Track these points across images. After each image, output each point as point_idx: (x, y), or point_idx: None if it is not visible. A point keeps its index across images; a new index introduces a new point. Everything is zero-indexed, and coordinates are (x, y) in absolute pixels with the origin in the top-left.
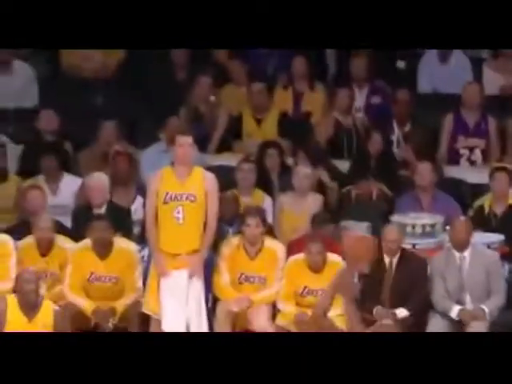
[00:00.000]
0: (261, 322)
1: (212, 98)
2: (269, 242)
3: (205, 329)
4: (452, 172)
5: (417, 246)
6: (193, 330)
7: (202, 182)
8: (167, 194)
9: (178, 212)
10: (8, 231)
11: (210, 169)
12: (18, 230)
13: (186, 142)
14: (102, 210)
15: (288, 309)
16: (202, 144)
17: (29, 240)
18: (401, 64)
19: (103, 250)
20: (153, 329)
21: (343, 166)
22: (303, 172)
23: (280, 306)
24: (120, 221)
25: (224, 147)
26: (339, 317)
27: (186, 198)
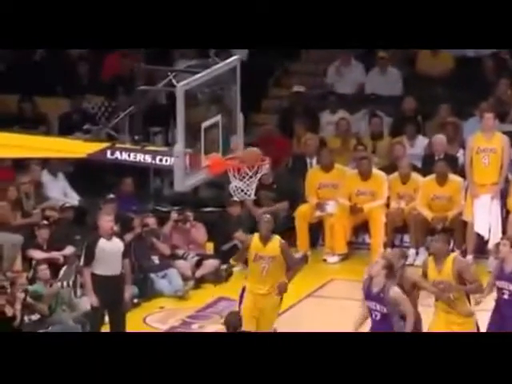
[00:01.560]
0: None
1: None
2: None
3: (500, 232)
4: None
5: None
6: (492, 232)
7: (502, 141)
8: (478, 147)
9: (485, 159)
10: (382, 169)
11: (505, 133)
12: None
13: (490, 116)
14: (442, 157)
15: None
16: (501, 117)
17: (395, 174)
18: None
19: (442, 180)
20: (469, 228)
21: None
22: None
23: None
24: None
25: None
26: None
27: (490, 150)
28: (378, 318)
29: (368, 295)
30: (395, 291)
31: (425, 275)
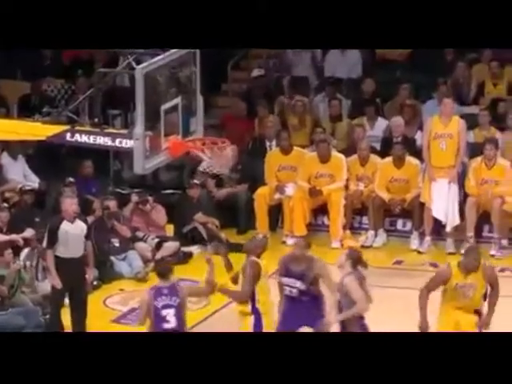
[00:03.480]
0: None
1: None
2: None
3: (457, 216)
4: None
5: None
6: (449, 216)
7: (459, 125)
8: (436, 133)
9: (442, 144)
10: (341, 151)
11: (464, 115)
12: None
13: (448, 102)
14: (399, 139)
15: None
16: (460, 101)
17: (354, 156)
18: None
19: (399, 162)
20: (426, 210)
21: None
22: None
23: None
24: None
25: (473, 102)
26: None
27: (447, 136)
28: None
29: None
30: (350, 279)
31: (445, 282)
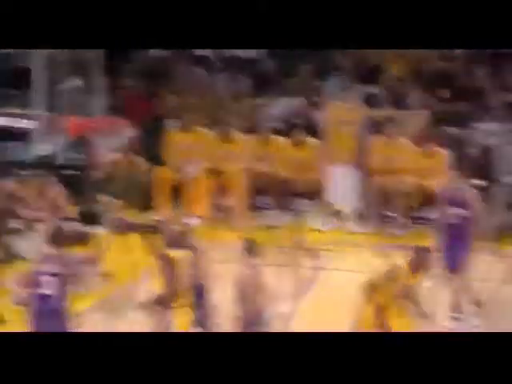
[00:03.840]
0: None
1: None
2: None
3: (354, 201)
4: None
5: None
6: (346, 201)
7: (359, 111)
8: (337, 118)
9: (342, 129)
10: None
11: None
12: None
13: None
14: (301, 120)
15: None
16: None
17: (256, 136)
18: None
19: (301, 143)
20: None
21: None
22: None
23: None
24: None
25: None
26: None
27: (348, 122)
28: None
29: None
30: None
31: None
